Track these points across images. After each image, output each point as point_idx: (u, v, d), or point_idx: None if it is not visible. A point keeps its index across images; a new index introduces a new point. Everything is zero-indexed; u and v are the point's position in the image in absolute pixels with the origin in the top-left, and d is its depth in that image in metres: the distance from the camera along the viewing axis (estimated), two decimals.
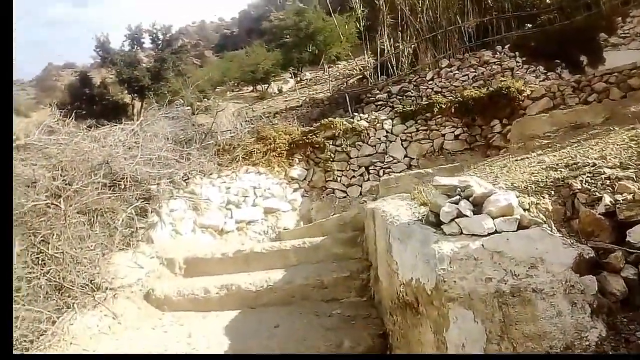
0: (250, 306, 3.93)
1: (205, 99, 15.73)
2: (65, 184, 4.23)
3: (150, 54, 26.76)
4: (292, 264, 4.57)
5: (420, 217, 2.68)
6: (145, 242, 4.86)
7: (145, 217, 5.10)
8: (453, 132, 7.24)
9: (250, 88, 20.18)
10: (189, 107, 10.13)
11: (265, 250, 4.66)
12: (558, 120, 4.64)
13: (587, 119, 4.48)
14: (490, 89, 7.16)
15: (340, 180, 7.57)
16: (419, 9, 11.13)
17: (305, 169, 7.63)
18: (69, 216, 3.87)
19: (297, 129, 8.01)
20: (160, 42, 26.02)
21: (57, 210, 3.80)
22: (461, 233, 2.27)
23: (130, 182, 5.08)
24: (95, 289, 3.61)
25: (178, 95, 14.60)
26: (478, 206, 2.36)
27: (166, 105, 9.22)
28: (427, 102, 7.57)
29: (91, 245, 3.96)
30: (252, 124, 8.51)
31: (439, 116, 7.35)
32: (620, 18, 9.44)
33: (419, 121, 7.52)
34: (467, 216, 2.30)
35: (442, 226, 2.36)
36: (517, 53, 9.85)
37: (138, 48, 26.20)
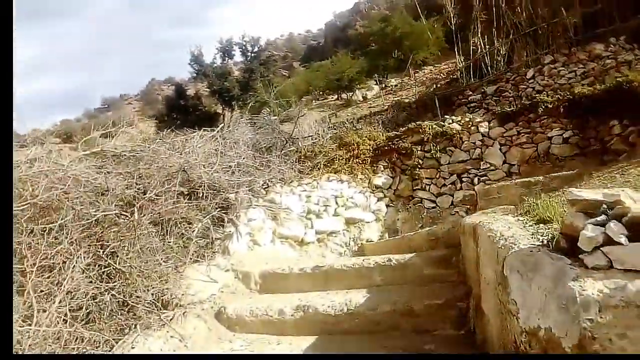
0: (328, 332, 3.47)
1: (292, 108, 15.74)
2: (140, 193, 4.08)
3: (241, 67, 27.74)
4: (375, 284, 4.07)
5: (545, 241, 2.06)
6: (221, 253, 4.61)
7: (222, 227, 4.87)
8: (561, 134, 6.29)
9: (335, 96, 19.99)
10: (275, 117, 10.01)
11: (347, 267, 4.19)
12: None
13: None
14: (609, 84, 6.13)
15: (429, 189, 6.90)
16: (517, 1, 10.08)
17: (391, 177, 7.06)
18: (141, 227, 3.67)
19: (382, 134, 7.48)
20: (249, 54, 26.95)
21: (128, 220, 3.62)
22: (611, 267, 1.65)
23: (207, 190, 4.87)
24: (163, 307, 3.36)
25: (266, 105, 14.76)
26: (634, 230, 1.71)
27: (250, 113, 9.19)
28: (530, 102, 6.66)
29: (163, 258, 3.74)
30: (334, 129, 8.12)
31: (545, 117, 6.43)
32: None
33: (520, 123, 6.64)
34: (619, 244, 1.66)
35: (580, 256, 1.75)
36: (635, 45, 8.51)
37: (229, 60, 27.26)
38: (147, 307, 3.20)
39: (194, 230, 4.36)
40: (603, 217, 1.79)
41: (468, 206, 6.54)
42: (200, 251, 4.36)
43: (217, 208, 4.88)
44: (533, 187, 4.07)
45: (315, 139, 7.42)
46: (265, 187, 5.93)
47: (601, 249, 1.70)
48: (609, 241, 1.70)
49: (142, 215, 3.85)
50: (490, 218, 3.24)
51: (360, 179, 6.84)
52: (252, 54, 26.30)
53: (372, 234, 6.47)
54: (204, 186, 4.81)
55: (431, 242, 4.60)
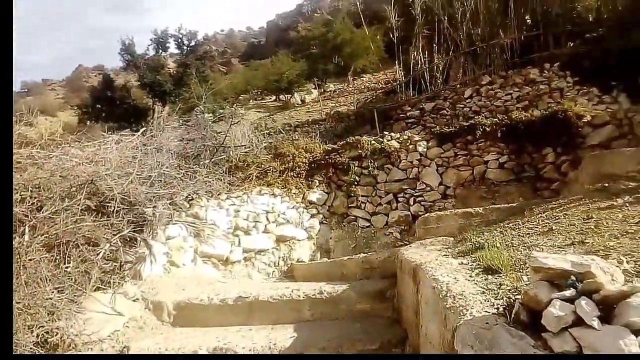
0: None
1: (228, 107, 15.14)
2: (34, 209, 3.44)
3: (177, 60, 26.59)
4: (305, 319, 3.72)
5: (501, 308, 1.78)
6: (132, 279, 4.06)
7: (135, 247, 4.30)
8: (498, 159, 6.27)
9: (274, 97, 19.55)
10: (210, 114, 9.39)
11: (273, 299, 3.79)
12: None
13: None
14: (544, 112, 6.19)
15: (365, 208, 6.66)
16: (458, 19, 10.19)
17: (326, 193, 6.74)
18: (30, 251, 3.06)
19: (319, 147, 7.15)
20: (185, 47, 25.90)
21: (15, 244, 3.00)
22: (580, 353, 1.39)
23: (119, 205, 4.28)
24: (51, 351, 2.79)
25: (200, 102, 14.11)
26: (606, 310, 1.47)
27: (181, 111, 8.56)
28: (468, 124, 6.61)
29: (57, 289, 3.15)
30: (269, 136, 7.69)
31: (482, 140, 6.39)
32: None
33: (458, 144, 6.57)
34: (592, 327, 1.41)
35: (544, 334, 1.48)
36: (568, 72, 8.82)
37: (162, 52, 26.07)
38: (29, 353, 2.63)
39: (99, 253, 3.77)
40: (572, 291, 1.53)
41: (403, 227, 6.37)
42: (105, 278, 3.78)
43: (130, 225, 4.31)
44: (473, 218, 3.90)
45: (249, 147, 6.95)
46: (190, 200, 5.40)
47: (569, 330, 1.44)
48: (579, 321, 1.44)
49: (34, 236, 3.23)
50: (431, 257, 2.99)
51: (294, 193, 6.47)
52: (188, 48, 25.32)
53: (303, 253, 6.11)
54: (116, 200, 4.21)
55: (365, 271, 4.32)
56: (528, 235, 2.96)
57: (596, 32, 9.60)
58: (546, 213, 3.41)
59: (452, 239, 3.68)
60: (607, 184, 3.56)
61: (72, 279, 3.40)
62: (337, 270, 4.77)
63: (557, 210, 3.39)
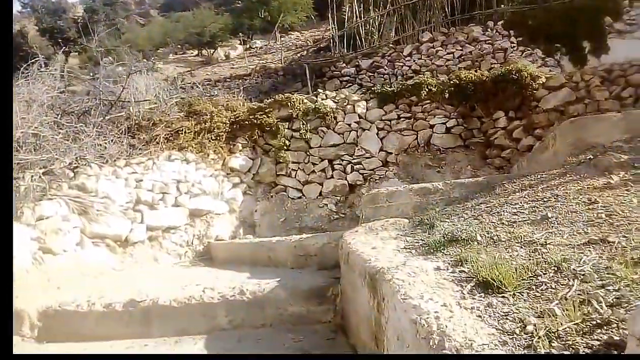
0: None
1: (144, 60, 13.53)
2: None
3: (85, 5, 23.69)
4: (221, 328, 2.86)
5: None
6: None
7: None
8: (444, 123, 5.63)
9: (196, 52, 17.94)
10: (124, 68, 7.94)
11: (178, 303, 2.87)
12: (636, 125, 3.13)
13: None
14: (497, 71, 5.57)
15: (296, 176, 5.82)
16: None
17: (251, 159, 5.79)
18: None
19: (243, 105, 6.12)
20: None
21: None
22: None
23: None
24: None
25: (111, 54, 12.40)
26: None
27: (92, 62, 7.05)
28: (413, 82, 5.86)
29: None
30: (183, 92, 6.50)
31: (428, 101, 5.70)
32: (627, 1, 8.15)
33: (400, 106, 5.84)
34: None
35: None
36: (511, 32, 8.36)
37: None
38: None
39: None
40: None
41: (339, 197, 5.63)
42: None
43: None
44: (431, 195, 3.18)
45: (156, 103, 5.73)
46: (75, 168, 4.24)
47: None
48: None
49: None
50: (389, 252, 2.20)
51: (213, 159, 5.45)
52: None
53: (223, 230, 5.20)
54: None
55: (299, 259, 3.51)
56: (516, 225, 2.25)
57: None
58: (525, 192, 2.74)
59: (407, 221, 2.94)
60: (591, 157, 2.94)
61: None
62: (264, 254, 3.95)
63: (539, 188, 2.72)
